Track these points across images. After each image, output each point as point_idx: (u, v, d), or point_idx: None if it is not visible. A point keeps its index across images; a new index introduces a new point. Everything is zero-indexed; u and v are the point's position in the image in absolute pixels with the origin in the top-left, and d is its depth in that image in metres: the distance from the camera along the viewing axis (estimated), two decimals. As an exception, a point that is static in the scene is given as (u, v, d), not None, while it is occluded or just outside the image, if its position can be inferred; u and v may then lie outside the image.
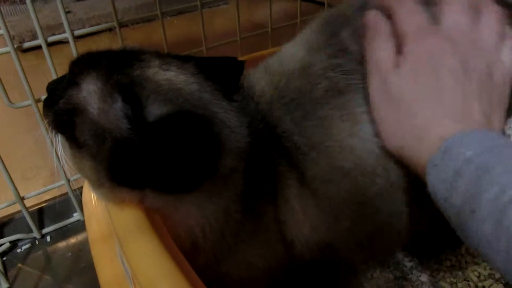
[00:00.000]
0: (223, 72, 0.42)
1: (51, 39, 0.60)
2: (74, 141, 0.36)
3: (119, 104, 0.34)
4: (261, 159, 0.41)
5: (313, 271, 0.45)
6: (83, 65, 0.37)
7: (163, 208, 0.37)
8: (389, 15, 0.42)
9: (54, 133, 0.37)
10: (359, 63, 0.43)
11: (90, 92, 0.35)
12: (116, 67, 0.36)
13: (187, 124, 0.34)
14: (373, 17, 0.42)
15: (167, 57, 0.39)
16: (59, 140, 0.37)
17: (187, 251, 0.38)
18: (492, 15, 0.40)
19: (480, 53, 0.39)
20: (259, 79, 0.46)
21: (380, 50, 0.41)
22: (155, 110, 0.34)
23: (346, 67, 0.43)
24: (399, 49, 0.40)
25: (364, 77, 0.42)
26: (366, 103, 0.41)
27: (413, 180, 0.43)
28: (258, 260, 0.42)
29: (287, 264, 0.44)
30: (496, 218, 0.29)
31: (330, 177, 0.41)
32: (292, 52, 0.46)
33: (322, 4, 0.88)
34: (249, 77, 0.47)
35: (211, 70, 0.40)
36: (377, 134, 0.41)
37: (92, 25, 1.55)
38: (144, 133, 0.34)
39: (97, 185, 0.37)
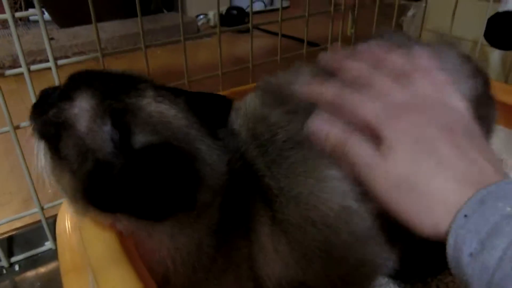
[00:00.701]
0: (211, 109, 0.43)
1: (33, 67, 0.60)
2: (56, 152, 0.36)
3: (108, 128, 0.35)
4: (238, 195, 0.42)
5: None
6: (80, 82, 0.38)
7: (135, 234, 0.38)
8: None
9: (37, 141, 0.38)
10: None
11: (82, 109, 0.36)
12: (112, 91, 0.37)
13: (169, 156, 0.35)
14: (322, 124, 0.41)
15: (162, 89, 0.40)
16: (41, 148, 0.37)
17: (159, 284, 0.38)
18: (438, 76, 0.42)
19: (451, 113, 0.39)
20: (238, 117, 0.47)
21: (359, 150, 0.39)
22: (141, 138, 0.35)
23: (300, 122, 0.43)
24: (374, 137, 0.39)
25: None
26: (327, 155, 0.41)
27: (381, 229, 0.44)
28: None
29: None
30: None
31: (298, 223, 0.42)
32: (251, 101, 0.48)
33: (302, 41, 0.91)
34: (232, 114, 0.48)
35: (200, 106, 0.41)
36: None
37: (75, 53, 1.56)
38: (127, 158, 0.34)
39: (71, 200, 0.38)
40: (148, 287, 0.33)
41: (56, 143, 0.36)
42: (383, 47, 0.45)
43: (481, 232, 0.31)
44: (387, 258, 0.48)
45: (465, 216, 0.32)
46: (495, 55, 1.09)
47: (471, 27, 1.08)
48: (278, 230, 0.42)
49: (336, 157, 0.41)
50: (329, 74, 0.45)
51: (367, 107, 0.39)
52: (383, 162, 0.37)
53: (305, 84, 0.45)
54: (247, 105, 0.48)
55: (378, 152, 0.38)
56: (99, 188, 0.35)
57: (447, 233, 0.33)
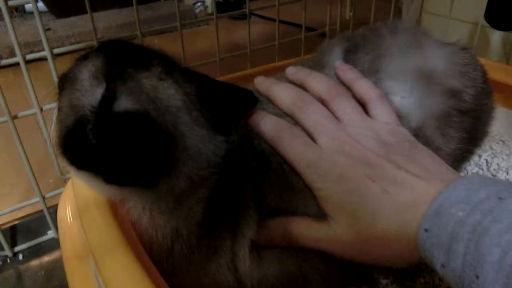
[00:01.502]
0: (231, 101, 0.43)
1: (29, 56, 0.60)
2: (59, 104, 0.40)
3: (101, 90, 0.37)
4: (231, 189, 0.41)
5: None
6: (101, 47, 0.40)
7: (115, 200, 0.40)
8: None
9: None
10: None
11: (86, 69, 0.38)
12: (120, 60, 0.39)
13: (140, 125, 0.36)
14: None
15: (175, 70, 0.40)
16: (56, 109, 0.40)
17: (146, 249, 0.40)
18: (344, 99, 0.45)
19: (387, 132, 0.42)
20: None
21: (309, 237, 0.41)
22: (122, 105, 0.36)
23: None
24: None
25: None
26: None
27: None
28: (210, 283, 0.42)
29: None
30: (503, 281, 0.28)
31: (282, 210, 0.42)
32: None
33: (300, 26, 0.90)
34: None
35: (217, 96, 0.42)
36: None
37: (72, 43, 1.55)
38: (101, 118, 0.36)
39: (59, 154, 0.39)
40: (149, 272, 0.33)
41: (60, 96, 0.39)
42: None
43: (443, 243, 0.32)
44: None
45: (426, 230, 0.33)
46: (495, 37, 1.09)
47: (471, 8, 1.07)
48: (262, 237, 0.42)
49: None
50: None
51: (297, 157, 0.41)
52: (331, 239, 0.39)
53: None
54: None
55: (323, 232, 0.40)
56: (72, 142, 0.37)
57: (418, 251, 0.34)
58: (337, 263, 0.45)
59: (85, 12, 0.63)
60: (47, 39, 0.60)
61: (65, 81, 0.40)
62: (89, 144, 0.36)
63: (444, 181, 0.36)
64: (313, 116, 0.44)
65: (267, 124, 0.44)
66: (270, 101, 0.47)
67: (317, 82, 0.47)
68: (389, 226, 0.36)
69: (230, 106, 0.43)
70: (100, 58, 0.39)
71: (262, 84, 0.49)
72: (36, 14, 0.57)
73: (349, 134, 0.42)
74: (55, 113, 0.40)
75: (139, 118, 0.37)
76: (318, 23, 1.01)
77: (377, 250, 0.38)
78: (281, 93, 0.46)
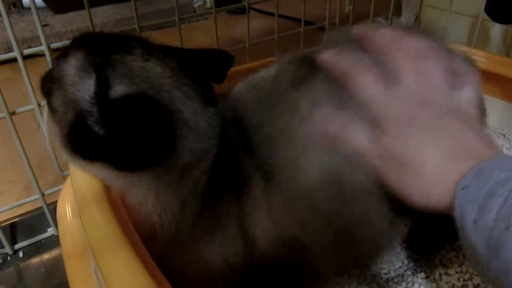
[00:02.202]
0: (210, 64, 0.44)
1: (27, 51, 0.60)
2: (50, 106, 0.40)
3: (91, 81, 0.37)
4: (230, 160, 0.43)
5: (275, 274, 0.45)
6: (78, 41, 0.41)
7: (123, 187, 0.40)
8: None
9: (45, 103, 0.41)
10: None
11: (71, 65, 0.39)
12: (100, 49, 0.39)
13: (141, 106, 0.37)
14: (322, 118, 0.43)
15: (155, 49, 0.41)
16: (46, 109, 0.41)
17: (144, 237, 0.39)
18: (432, 60, 0.43)
19: (444, 94, 0.41)
20: (241, 88, 0.48)
21: (357, 132, 0.41)
22: (118, 90, 0.37)
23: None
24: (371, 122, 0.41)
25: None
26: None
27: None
28: (215, 259, 0.42)
29: (247, 265, 0.43)
30: None
31: (295, 194, 0.42)
32: (268, 71, 0.48)
33: (299, 20, 0.89)
34: (236, 88, 0.49)
35: (198, 63, 0.43)
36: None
37: (69, 39, 1.54)
38: (101, 107, 0.36)
39: (62, 151, 0.40)
40: (149, 268, 0.33)
41: (49, 98, 0.40)
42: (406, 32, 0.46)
43: (478, 199, 0.32)
44: (389, 235, 0.48)
45: (463, 188, 0.34)
46: (496, 30, 1.08)
47: (471, 2, 1.06)
48: (272, 189, 0.42)
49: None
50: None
51: (372, 88, 0.41)
52: (378, 137, 0.40)
53: (325, 52, 0.46)
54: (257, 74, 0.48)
55: (373, 135, 0.40)
56: (78, 136, 0.37)
57: (451, 207, 0.35)
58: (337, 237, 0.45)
59: (83, 7, 0.63)
60: (45, 35, 0.59)
61: (51, 83, 0.40)
62: (96, 135, 0.36)
63: (492, 153, 0.37)
64: None
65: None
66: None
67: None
68: (431, 169, 0.37)
69: (211, 69, 0.44)
70: (81, 51, 0.39)
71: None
72: (33, 9, 0.57)
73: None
74: (46, 116, 0.41)
75: (138, 99, 0.37)
76: (318, 17, 1.01)
77: (410, 183, 0.38)
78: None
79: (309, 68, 0.46)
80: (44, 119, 0.41)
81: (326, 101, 0.44)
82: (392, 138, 0.39)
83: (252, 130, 0.44)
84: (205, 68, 0.44)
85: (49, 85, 0.40)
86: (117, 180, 0.40)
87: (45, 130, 0.42)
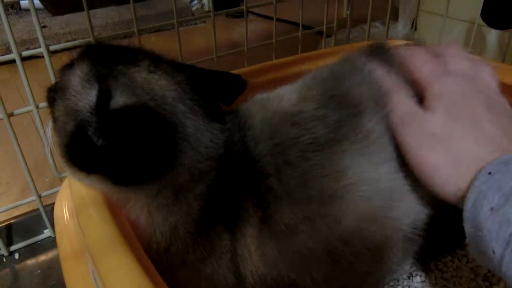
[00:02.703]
0: (222, 85, 0.44)
1: (25, 53, 0.60)
2: (53, 115, 0.40)
3: (94, 92, 0.37)
4: (228, 189, 0.41)
5: None
6: (85, 52, 0.40)
7: (117, 201, 0.40)
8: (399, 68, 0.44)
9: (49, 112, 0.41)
10: (354, 111, 0.42)
11: (75, 75, 0.38)
12: (105, 60, 0.39)
13: (141, 117, 0.36)
14: (384, 73, 0.44)
15: (163, 62, 0.41)
16: (50, 124, 0.41)
17: (145, 249, 0.39)
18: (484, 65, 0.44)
19: (491, 87, 0.42)
20: (254, 113, 0.45)
21: (405, 100, 0.41)
22: (119, 101, 0.37)
23: (332, 119, 0.42)
24: (420, 95, 0.42)
25: (356, 127, 0.41)
26: (348, 156, 0.40)
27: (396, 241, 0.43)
28: (205, 285, 0.41)
29: None
30: None
31: (299, 228, 0.40)
32: (288, 94, 0.45)
33: (297, 24, 0.90)
34: (245, 107, 0.47)
35: (207, 82, 0.42)
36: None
37: (68, 41, 1.54)
38: (101, 118, 0.36)
39: (61, 160, 0.39)
40: (147, 269, 0.33)
41: (53, 107, 0.40)
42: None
43: (504, 188, 0.32)
44: (399, 263, 0.48)
45: (489, 173, 0.33)
46: (492, 35, 1.09)
47: (468, 7, 1.07)
48: (267, 233, 0.40)
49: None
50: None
51: (426, 65, 0.43)
52: (422, 112, 0.40)
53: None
54: (282, 98, 0.45)
55: (420, 105, 0.40)
56: (77, 147, 0.37)
57: (467, 189, 0.34)
58: (341, 280, 0.44)
59: (81, 9, 0.63)
60: (43, 37, 0.59)
61: (55, 92, 0.40)
62: (94, 146, 0.36)
63: None
64: None
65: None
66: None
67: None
68: (464, 150, 0.37)
69: (221, 90, 0.44)
70: (86, 62, 0.39)
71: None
72: (32, 11, 0.57)
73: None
74: (50, 125, 0.40)
75: (139, 110, 0.37)
76: (315, 22, 1.01)
77: (440, 159, 0.38)
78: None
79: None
80: (48, 128, 0.41)
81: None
82: (438, 115, 0.39)
83: (261, 159, 0.42)
84: (215, 89, 0.43)
85: (53, 95, 0.40)
86: (113, 194, 0.40)
87: (46, 136, 0.41)
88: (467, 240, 0.36)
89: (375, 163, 0.41)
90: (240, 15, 1.70)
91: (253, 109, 0.45)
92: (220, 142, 0.41)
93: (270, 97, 0.46)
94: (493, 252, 0.32)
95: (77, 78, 0.38)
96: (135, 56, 0.40)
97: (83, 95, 0.37)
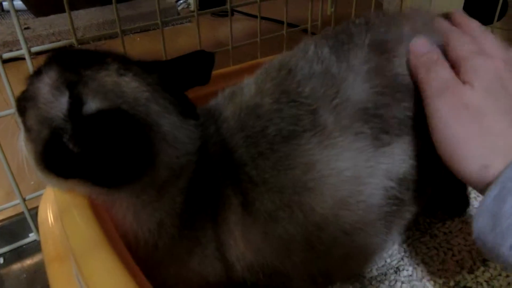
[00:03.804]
0: (193, 68, 0.44)
1: (6, 55, 0.59)
2: (25, 125, 0.39)
3: (65, 99, 0.37)
4: (208, 180, 0.42)
5: None
6: (52, 59, 0.40)
7: (105, 203, 0.40)
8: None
9: (19, 121, 0.40)
10: (308, 108, 0.43)
11: (44, 83, 0.38)
12: (73, 65, 0.39)
13: (116, 120, 0.36)
14: (422, 44, 0.43)
15: (132, 64, 0.41)
16: (21, 127, 0.40)
17: (131, 249, 0.40)
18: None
19: None
20: (225, 105, 0.47)
21: (442, 71, 0.40)
22: (92, 106, 0.36)
23: (288, 113, 0.43)
24: (456, 70, 0.41)
25: (313, 122, 0.42)
26: (312, 150, 0.42)
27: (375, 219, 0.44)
28: (195, 276, 0.43)
29: (227, 283, 0.44)
30: None
31: (277, 215, 0.42)
32: (248, 88, 0.47)
33: (282, 22, 0.90)
34: (217, 101, 0.49)
35: (177, 75, 0.42)
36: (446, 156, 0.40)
37: (52, 42, 1.52)
38: (76, 125, 0.36)
39: (36, 169, 0.39)
40: (131, 271, 0.33)
41: (24, 116, 0.39)
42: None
43: None
44: (382, 242, 0.48)
45: None
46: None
47: (451, 2, 1.08)
48: (250, 220, 0.42)
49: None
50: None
51: (465, 46, 0.42)
52: (461, 85, 0.38)
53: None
54: (244, 91, 0.47)
55: (457, 78, 0.39)
56: (53, 154, 0.37)
57: (493, 179, 0.33)
58: (320, 265, 0.46)
59: (64, 10, 0.62)
60: (26, 38, 0.58)
61: (25, 102, 0.39)
62: (70, 152, 0.36)
63: None
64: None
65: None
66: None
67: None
68: (497, 132, 0.36)
69: (193, 73, 0.44)
70: (54, 69, 0.38)
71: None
72: (12, 12, 0.56)
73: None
74: (22, 136, 0.40)
75: (112, 113, 0.37)
76: (301, 20, 1.01)
77: (470, 138, 0.37)
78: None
79: None
80: (20, 137, 0.41)
81: None
82: (476, 89, 0.38)
83: (237, 150, 0.43)
84: (187, 75, 0.44)
85: (24, 104, 0.39)
86: (96, 196, 0.40)
87: (19, 146, 0.41)
88: (475, 233, 0.34)
89: (337, 154, 0.42)
90: (226, 14, 1.69)
91: (224, 103, 0.47)
92: (196, 136, 0.42)
93: (236, 91, 0.48)
94: (510, 247, 0.31)
95: (46, 87, 0.38)
96: (103, 59, 0.40)
97: (54, 103, 0.37)
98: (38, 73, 0.39)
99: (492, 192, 0.33)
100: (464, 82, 0.39)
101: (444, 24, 0.46)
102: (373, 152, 0.42)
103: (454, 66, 0.41)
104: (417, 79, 0.42)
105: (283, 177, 0.42)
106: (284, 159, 0.42)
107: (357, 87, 0.42)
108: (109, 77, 0.38)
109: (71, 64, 0.39)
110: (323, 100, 0.43)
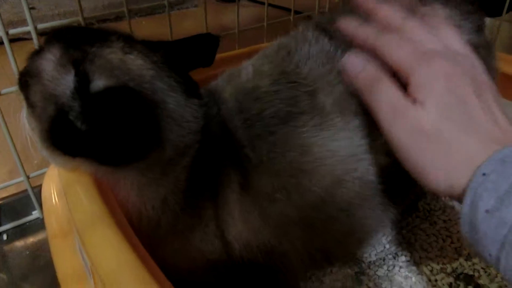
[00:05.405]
0: (197, 49, 0.44)
1: (12, 31, 0.59)
2: (28, 101, 0.39)
3: (71, 76, 0.37)
4: (210, 159, 0.43)
5: (254, 272, 0.46)
6: (54, 36, 0.39)
7: (109, 180, 0.40)
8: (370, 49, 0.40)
9: (21, 97, 0.40)
10: (307, 89, 0.43)
11: (47, 59, 0.38)
12: (77, 43, 0.38)
13: (123, 97, 0.36)
14: (354, 61, 0.40)
15: (136, 43, 0.41)
16: (23, 103, 0.40)
17: (134, 226, 0.40)
18: (451, 30, 0.40)
19: (473, 66, 0.38)
20: (224, 87, 0.47)
21: (387, 92, 0.37)
22: (99, 84, 0.36)
23: (286, 94, 0.43)
24: (402, 83, 0.37)
25: (311, 104, 0.42)
26: (308, 132, 0.42)
27: (369, 203, 0.45)
28: (196, 253, 0.43)
29: (226, 262, 0.44)
30: None
31: (275, 195, 0.43)
32: (246, 70, 0.47)
33: (289, 10, 0.90)
34: (218, 83, 0.49)
35: (181, 55, 0.43)
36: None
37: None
38: (83, 102, 0.36)
39: (41, 147, 0.40)
40: (133, 244, 0.34)
41: (27, 93, 0.39)
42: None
43: (499, 190, 0.30)
44: (379, 219, 0.49)
45: (484, 174, 0.31)
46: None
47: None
48: (248, 200, 0.42)
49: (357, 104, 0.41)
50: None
51: (399, 51, 0.38)
52: (411, 107, 0.36)
53: (343, 22, 0.43)
54: (242, 74, 0.47)
55: (406, 97, 0.36)
56: (59, 132, 0.37)
57: (464, 192, 0.33)
58: (318, 244, 0.46)
59: (69, -11, 0.62)
60: (32, 18, 0.58)
61: (28, 77, 0.39)
62: (77, 130, 0.36)
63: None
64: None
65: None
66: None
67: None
68: (458, 147, 0.34)
69: (198, 54, 0.44)
70: (57, 47, 0.38)
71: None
72: (18, -10, 0.56)
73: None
74: (25, 112, 0.40)
75: (119, 91, 0.37)
76: (309, 7, 1.01)
77: (432, 157, 0.35)
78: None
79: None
80: (23, 114, 0.40)
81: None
82: (428, 109, 0.35)
83: (237, 131, 0.44)
84: (191, 56, 0.44)
85: (26, 79, 0.39)
86: (102, 175, 0.40)
87: (22, 123, 0.41)
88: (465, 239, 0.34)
89: (333, 135, 0.43)
90: (232, 0, 1.69)
91: (223, 85, 0.48)
92: (200, 116, 0.42)
93: (234, 73, 0.49)
94: (490, 255, 0.31)
95: (50, 63, 0.37)
96: (107, 37, 0.40)
97: (60, 80, 0.37)
98: (39, 50, 0.39)
99: (466, 203, 0.32)
100: (414, 101, 0.36)
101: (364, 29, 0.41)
102: (369, 128, 0.43)
103: (396, 75, 0.38)
104: (363, 100, 0.39)
105: (280, 159, 0.42)
106: (281, 141, 0.43)
107: None
108: (114, 54, 0.38)
109: (75, 41, 0.39)
110: (321, 80, 0.43)
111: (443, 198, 0.65)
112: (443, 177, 0.35)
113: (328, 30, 0.47)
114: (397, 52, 0.38)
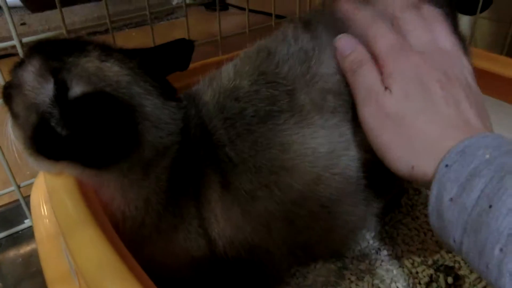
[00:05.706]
0: (172, 55, 0.46)
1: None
2: (12, 112, 0.41)
3: (50, 85, 0.39)
4: (190, 160, 0.44)
5: (238, 269, 0.47)
6: (34, 49, 0.42)
7: (93, 183, 0.42)
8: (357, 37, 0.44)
9: (6, 110, 0.42)
10: (285, 88, 0.45)
11: (28, 71, 0.40)
12: (55, 53, 0.41)
13: (101, 102, 0.38)
14: (347, 43, 0.44)
15: (113, 51, 0.43)
16: (8, 115, 0.42)
17: (118, 227, 0.42)
18: (442, 27, 0.43)
19: (451, 62, 0.41)
20: (204, 90, 0.49)
21: (368, 75, 0.41)
22: (77, 90, 0.38)
23: (265, 94, 0.45)
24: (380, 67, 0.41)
25: (290, 103, 0.44)
26: (288, 130, 0.44)
27: (351, 200, 0.47)
28: (180, 251, 0.45)
29: (211, 259, 0.46)
30: None
31: (256, 193, 0.44)
32: (227, 72, 0.49)
33: (270, 15, 0.92)
34: (198, 87, 0.51)
35: (157, 60, 0.44)
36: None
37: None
38: (63, 109, 0.38)
39: (26, 154, 0.41)
40: (115, 246, 0.35)
41: (11, 104, 0.41)
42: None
43: (460, 178, 0.32)
44: (362, 214, 0.51)
45: (446, 166, 0.34)
46: (463, 22, 1.11)
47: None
48: (229, 198, 0.44)
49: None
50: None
51: (382, 40, 0.42)
52: (382, 92, 0.40)
53: (344, 5, 0.46)
54: (223, 75, 0.49)
55: (382, 84, 0.40)
56: (42, 138, 0.39)
57: (426, 179, 0.35)
58: (300, 240, 0.48)
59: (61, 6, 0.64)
60: (22, 34, 0.60)
61: (11, 89, 0.41)
62: (58, 135, 0.38)
63: (480, 129, 0.37)
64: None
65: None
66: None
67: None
68: (419, 132, 0.37)
69: (173, 59, 0.46)
70: (37, 58, 0.40)
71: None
72: (4, 7, 0.58)
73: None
74: (9, 122, 0.42)
75: (96, 96, 0.39)
76: (292, 12, 1.03)
77: (395, 140, 0.38)
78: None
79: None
80: (8, 125, 0.42)
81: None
82: (394, 95, 0.39)
83: (217, 132, 0.45)
84: (167, 61, 0.46)
85: (9, 91, 0.41)
86: (86, 177, 0.41)
87: (7, 134, 0.43)
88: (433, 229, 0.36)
89: (312, 132, 0.44)
90: (221, 8, 1.71)
91: (203, 88, 0.49)
92: (178, 117, 0.44)
93: (216, 75, 0.50)
94: (454, 241, 0.33)
95: (30, 74, 0.40)
96: (84, 47, 0.42)
97: (40, 89, 0.39)
98: (20, 63, 0.41)
99: (432, 194, 0.35)
100: (386, 87, 0.40)
101: (366, 12, 0.45)
102: (348, 125, 0.45)
103: (377, 63, 0.42)
104: (347, 81, 0.43)
105: (260, 157, 0.44)
106: (261, 139, 0.44)
107: (326, 61, 0.45)
108: (91, 63, 0.40)
109: (53, 52, 0.41)
110: (299, 79, 0.45)
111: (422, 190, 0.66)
112: (404, 158, 0.38)
113: (307, 30, 0.49)
114: (380, 41, 0.42)
